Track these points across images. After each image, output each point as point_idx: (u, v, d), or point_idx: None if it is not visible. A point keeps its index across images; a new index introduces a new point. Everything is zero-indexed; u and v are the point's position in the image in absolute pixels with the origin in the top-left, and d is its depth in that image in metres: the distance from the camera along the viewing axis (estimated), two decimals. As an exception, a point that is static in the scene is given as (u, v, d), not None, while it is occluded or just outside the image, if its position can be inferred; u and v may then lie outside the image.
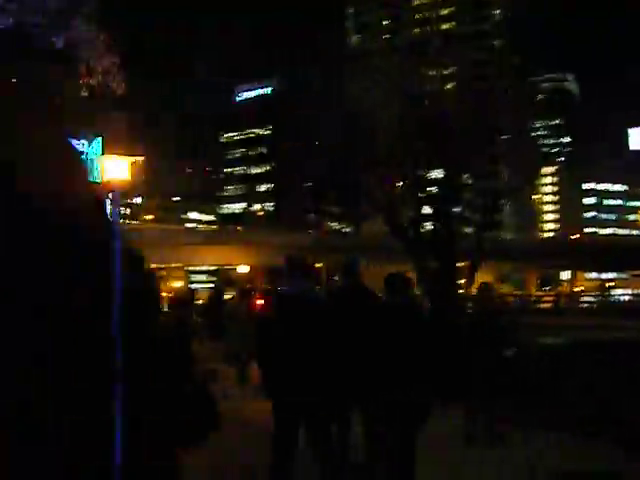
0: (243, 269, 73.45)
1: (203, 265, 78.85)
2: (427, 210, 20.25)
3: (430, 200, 20.17)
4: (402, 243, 19.38)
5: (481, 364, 9.54)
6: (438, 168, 20.25)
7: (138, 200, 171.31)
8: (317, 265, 76.73)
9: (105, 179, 18.40)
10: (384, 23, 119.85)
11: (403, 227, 19.47)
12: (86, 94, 15.55)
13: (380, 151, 20.04)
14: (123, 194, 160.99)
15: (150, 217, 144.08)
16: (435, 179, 20.64)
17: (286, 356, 6.49)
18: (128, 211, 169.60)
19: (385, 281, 7.11)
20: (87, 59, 15.18)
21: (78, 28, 15.18)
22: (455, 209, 20.77)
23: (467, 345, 9.87)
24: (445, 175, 20.06)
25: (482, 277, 61.01)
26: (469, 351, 9.77)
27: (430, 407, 6.77)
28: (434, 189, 20.73)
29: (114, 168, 18.01)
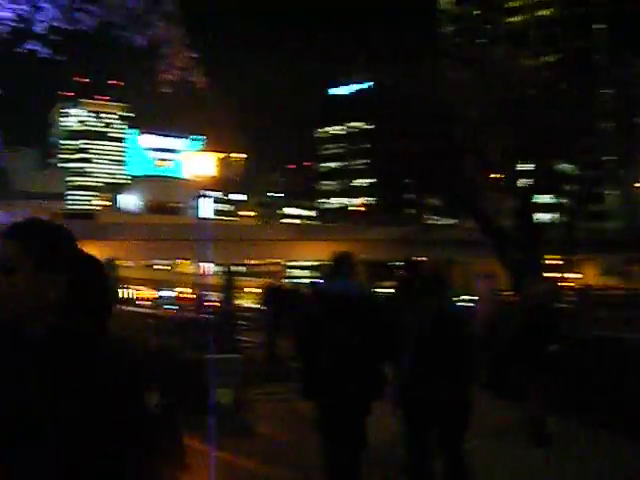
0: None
1: (301, 260, 79.23)
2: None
3: (517, 191, 19.59)
4: (488, 237, 18.95)
5: (528, 360, 9.53)
6: (530, 158, 19.62)
7: (239, 197, 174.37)
8: (419, 259, 76.33)
9: (191, 175, 18.53)
10: (476, 13, 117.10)
11: (488, 219, 19.04)
12: (167, 91, 15.63)
13: (468, 143, 19.65)
14: (225, 192, 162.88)
15: (250, 213, 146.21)
16: (525, 170, 20.02)
17: (324, 355, 6.34)
18: (229, 208, 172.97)
19: (418, 279, 7.20)
20: (166, 56, 15.24)
21: (158, 26, 15.23)
22: (542, 200, 20.16)
23: (514, 341, 9.87)
24: (536, 166, 19.47)
25: (589, 270, 59.25)
26: (516, 347, 9.75)
27: (471, 405, 6.72)
28: (527, 180, 20.09)
29: (199, 165, 18.00)
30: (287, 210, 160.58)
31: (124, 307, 39.04)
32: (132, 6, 14.32)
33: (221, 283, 20.04)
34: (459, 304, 7.19)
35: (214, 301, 21.66)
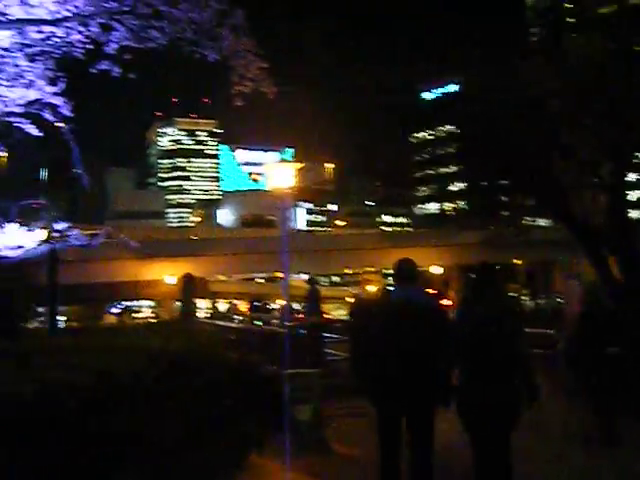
0: (436, 270, 73.03)
1: (389, 268, 78.59)
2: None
3: (607, 187, 18.77)
4: (574, 234, 18.32)
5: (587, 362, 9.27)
6: (620, 153, 18.76)
7: (334, 207, 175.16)
8: (516, 262, 74.88)
9: (273, 187, 18.52)
10: (567, 6, 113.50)
11: (574, 218, 18.34)
12: (240, 103, 15.55)
13: (557, 140, 19.01)
14: (318, 202, 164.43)
15: (343, 223, 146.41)
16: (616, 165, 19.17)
17: (386, 358, 6.67)
18: (323, 218, 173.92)
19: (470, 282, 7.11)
20: (237, 67, 15.16)
21: (227, 38, 15.15)
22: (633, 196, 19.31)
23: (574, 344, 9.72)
24: (627, 160, 18.67)
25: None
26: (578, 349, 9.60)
27: (519, 407, 6.72)
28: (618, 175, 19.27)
29: (279, 176, 17.97)
30: (381, 218, 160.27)
31: (207, 321, 39.51)
32: (201, 20, 14.31)
33: (305, 294, 19.73)
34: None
35: (300, 313, 21.51)
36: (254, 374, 9.89)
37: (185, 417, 6.87)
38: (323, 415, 9.97)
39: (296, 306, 34.01)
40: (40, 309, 60.47)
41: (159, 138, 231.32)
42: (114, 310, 77.09)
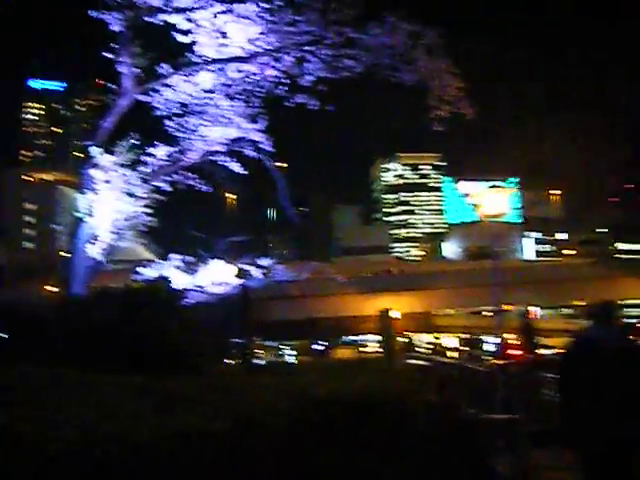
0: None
1: (623, 299, 73.84)
2: None
3: None
4: None
5: None
6: None
7: (563, 236, 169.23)
8: None
9: (482, 215, 17.61)
10: None
11: None
12: (440, 128, 14.87)
13: None
14: (547, 231, 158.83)
15: (573, 252, 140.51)
16: None
17: (589, 400, 6.25)
18: (552, 248, 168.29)
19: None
20: (434, 90, 14.55)
21: (422, 60, 14.62)
22: None
23: None
24: None
25: None
26: None
27: None
28: None
29: (491, 204, 16.98)
30: (614, 246, 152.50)
31: (415, 355, 38.48)
32: (393, 44, 13.84)
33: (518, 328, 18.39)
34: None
35: (517, 348, 20.18)
36: (453, 423, 9.03)
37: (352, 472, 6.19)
38: (528, 467, 8.89)
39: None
40: (268, 343, 62.12)
41: (383, 174, 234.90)
42: (316, 347, 72.52)
